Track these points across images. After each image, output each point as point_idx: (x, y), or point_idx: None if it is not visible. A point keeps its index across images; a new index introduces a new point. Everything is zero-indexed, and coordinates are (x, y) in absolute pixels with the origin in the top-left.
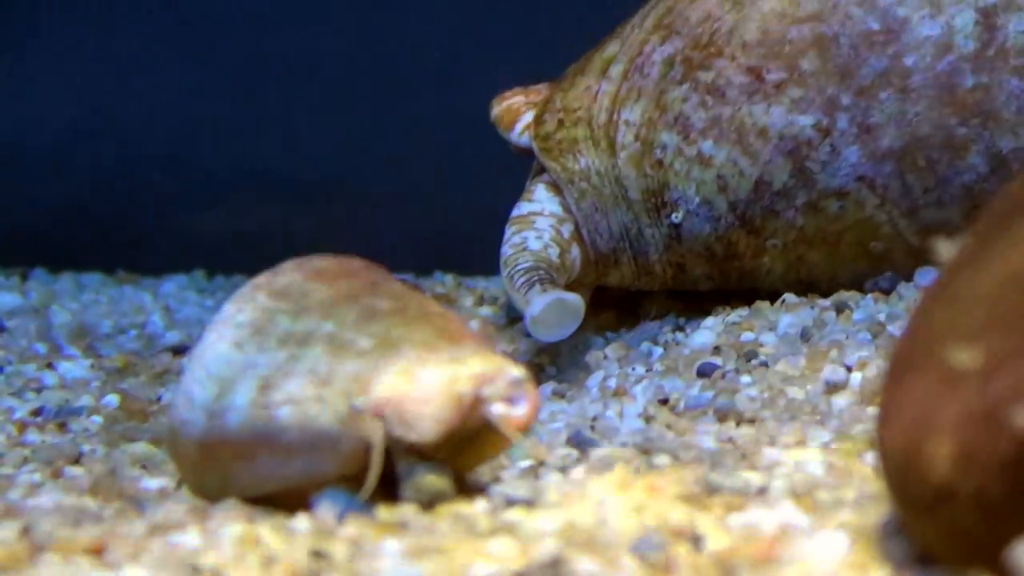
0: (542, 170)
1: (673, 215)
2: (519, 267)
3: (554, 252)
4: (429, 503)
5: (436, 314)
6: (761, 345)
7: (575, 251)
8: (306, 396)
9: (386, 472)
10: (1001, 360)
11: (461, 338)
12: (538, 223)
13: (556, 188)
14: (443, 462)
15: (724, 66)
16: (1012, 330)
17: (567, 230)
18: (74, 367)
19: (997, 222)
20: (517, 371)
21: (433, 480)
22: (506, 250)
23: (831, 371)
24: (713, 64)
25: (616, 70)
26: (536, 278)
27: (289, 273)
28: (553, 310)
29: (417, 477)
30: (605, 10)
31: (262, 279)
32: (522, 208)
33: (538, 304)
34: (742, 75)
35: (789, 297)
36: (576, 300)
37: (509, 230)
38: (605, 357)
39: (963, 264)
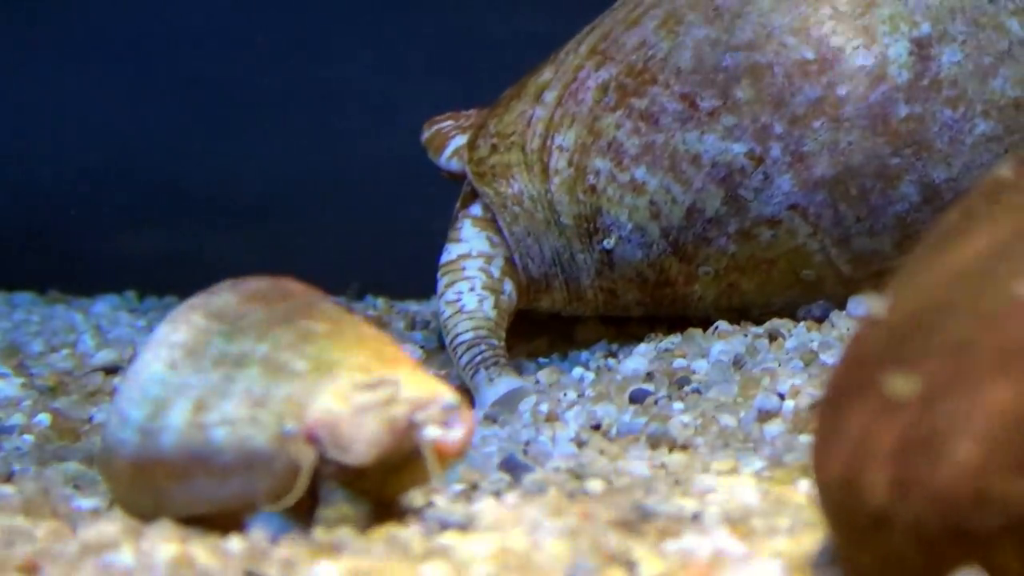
0: (471, 197)
1: (605, 241)
2: (460, 340)
3: (489, 304)
4: (338, 527)
5: (371, 337)
6: (693, 372)
7: (508, 286)
8: (241, 417)
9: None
10: (939, 389)
11: (396, 362)
12: (467, 269)
13: (482, 222)
14: (361, 494)
15: (658, 93)
16: (950, 358)
17: (497, 267)
18: (5, 386)
19: (931, 251)
20: (452, 396)
21: (345, 508)
22: (442, 308)
23: (764, 399)
24: (647, 91)
25: (550, 96)
26: (479, 357)
27: (225, 294)
28: (503, 400)
29: (334, 502)
30: (536, 38)
31: (198, 300)
32: (451, 252)
33: (488, 397)
34: (676, 102)
35: (722, 324)
36: (527, 387)
37: (441, 281)
38: (537, 382)
39: (900, 292)
